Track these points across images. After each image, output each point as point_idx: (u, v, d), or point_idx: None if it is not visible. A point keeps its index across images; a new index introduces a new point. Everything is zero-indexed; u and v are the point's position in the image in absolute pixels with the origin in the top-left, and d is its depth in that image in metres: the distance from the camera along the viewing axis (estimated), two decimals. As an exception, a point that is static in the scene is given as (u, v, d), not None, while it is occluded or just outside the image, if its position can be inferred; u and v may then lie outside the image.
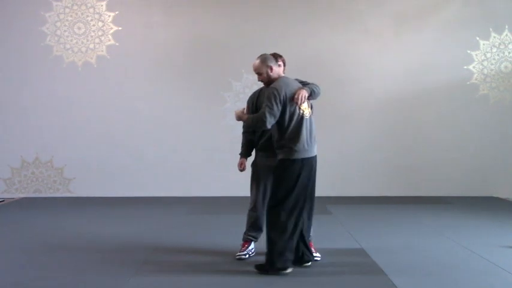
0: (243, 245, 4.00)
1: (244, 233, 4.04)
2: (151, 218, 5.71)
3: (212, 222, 5.49)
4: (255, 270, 3.57)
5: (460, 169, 7.29)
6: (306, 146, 3.57)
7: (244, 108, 3.83)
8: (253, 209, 3.95)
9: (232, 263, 3.84)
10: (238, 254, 3.95)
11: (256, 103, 3.90)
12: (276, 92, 3.50)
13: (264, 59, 3.66)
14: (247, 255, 3.95)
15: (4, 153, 7.23)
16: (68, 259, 3.96)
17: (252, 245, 4.02)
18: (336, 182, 7.18)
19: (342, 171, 7.21)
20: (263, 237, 4.05)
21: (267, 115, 3.47)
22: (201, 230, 5.04)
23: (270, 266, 3.52)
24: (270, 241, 3.54)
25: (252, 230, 3.99)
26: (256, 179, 3.96)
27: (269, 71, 3.63)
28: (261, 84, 3.90)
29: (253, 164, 4.03)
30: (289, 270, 3.52)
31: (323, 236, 4.51)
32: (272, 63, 3.65)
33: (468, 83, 7.35)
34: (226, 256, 3.99)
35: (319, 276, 3.52)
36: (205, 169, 7.24)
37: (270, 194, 3.73)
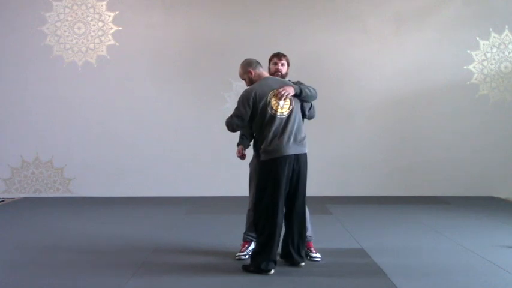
0: (243, 245, 4.00)
1: (244, 233, 4.03)
2: (151, 218, 5.71)
3: (212, 222, 5.48)
4: (242, 270, 3.62)
5: (459, 169, 7.29)
6: (276, 145, 3.53)
7: None
8: (252, 208, 3.93)
9: (232, 263, 3.83)
10: (238, 254, 3.94)
11: None
12: (245, 95, 3.62)
13: (243, 65, 3.78)
14: (247, 256, 3.93)
15: (4, 153, 7.23)
16: (67, 260, 3.96)
17: (252, 245, 4.01)
18: (336, 182, 7.19)
19: (342, 171, 7.22)
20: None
21: (234, 118, 3.64)
22: (200, 230, 5.04)
23: (255, 268, 3.55)
24: (257, 244, 3.64)
25: (252, 230, 3.97)
26: (255, 179, 3.92)
27: (250, 75, 3.73)
28: None
29: (251, 164, 4.00)
30: (272, 271, 3.54)
31: (323, 236, 4.50)
32: (251, 68, 3.73)
33: (468, 83, 7.35)
34: (226, 257, 3.99)
35: (319, 277, 3.51)
36: (205, 169, 7.24)
37: None
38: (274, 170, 3.54)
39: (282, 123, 3.58)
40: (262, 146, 3.60)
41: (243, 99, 3.61)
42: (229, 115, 3.72)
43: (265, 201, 3.56)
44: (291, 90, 3.59)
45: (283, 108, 3.59)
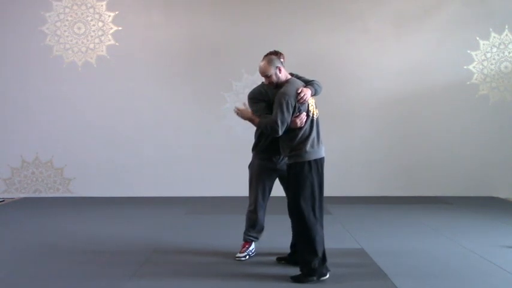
0: (244, 246, 3.99)
1: (245, 233, 4.02)
2: (151, 218, 5.71)
3: (212, 222, 5.48)
4: (292, 282, 3.39)
5: (460, 169, 7.29)
6: (315, 147, 3.45)
7: (245, 103, 3.69)
8: (254, 210, 3.92)
9: (232, 264, 3.83)
10: (238, 254, 3.94)
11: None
12: (288, 99, 3.35)
13: (270, 60, 3.50)
14: (247, 256, 3.94)
15: (4, 153, 7.23)
16: (67, 260, 3.96)
17: (253, 245, 4.02)
18: (336, 182, 7.17)
19: (342, 171, 7.21)
20: (265, 238, 4.06)
21: (279, 124, 3.34)
22: (200, 230, 5.04)
23: (313, 273, 3.38)
24: (308, 250, 3.40)
25: (253, 230, 3.97)
26: (255, 180, 3.91)
27: (277, 72, 3.47)
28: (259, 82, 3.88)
29: (251, 165, 3.97)
30: (328, 275, 3.45)
31: (323, 236, 4.50)
32: (279, 64, 3.50)
33: (468, 83, 7.35)
34: (226, 257, 3.99)
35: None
36: (205, 169, 7.24)
37: (288, 202, 3.55)
38: (315, 170, 3.41)
39: (315, 126, 3.52)
40: (301, 148, 3.41)
41: (288, 105, 3.34)
42: (270, 120, 3.40)
43: (310, 201, 3.39)
44: (309, 92, 3.48)
45: (315, 110, 3.54)
